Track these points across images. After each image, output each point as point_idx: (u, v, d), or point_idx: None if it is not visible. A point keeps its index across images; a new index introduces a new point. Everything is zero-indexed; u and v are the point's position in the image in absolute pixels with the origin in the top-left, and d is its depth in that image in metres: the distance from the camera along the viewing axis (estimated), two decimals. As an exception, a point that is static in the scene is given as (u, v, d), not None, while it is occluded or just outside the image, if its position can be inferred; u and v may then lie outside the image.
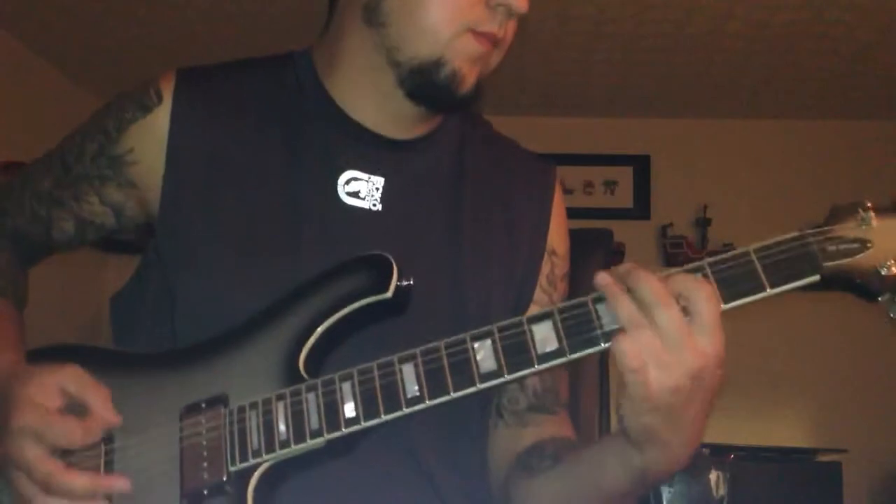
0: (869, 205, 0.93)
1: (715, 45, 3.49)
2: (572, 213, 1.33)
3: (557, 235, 1.28)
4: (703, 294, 0.87)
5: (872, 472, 3.74)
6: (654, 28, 3.36)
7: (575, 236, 1.45)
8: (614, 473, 0.99)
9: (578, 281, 1.56)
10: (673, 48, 3.53)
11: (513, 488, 1.15)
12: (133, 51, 3.66)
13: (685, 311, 0.88)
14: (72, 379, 1.01)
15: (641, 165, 4.22)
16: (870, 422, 3.77)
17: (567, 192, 4.19)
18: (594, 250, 1.67)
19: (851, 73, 3.68)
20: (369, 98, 1.16)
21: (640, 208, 4.20)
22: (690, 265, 0.92)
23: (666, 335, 0.87)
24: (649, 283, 0.88)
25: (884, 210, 0.94)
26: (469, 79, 1.11)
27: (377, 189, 1.17)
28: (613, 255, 1.83)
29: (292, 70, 1.22)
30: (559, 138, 4.07)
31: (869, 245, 0.91)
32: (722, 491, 2.65)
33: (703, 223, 4.10)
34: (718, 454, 3.15)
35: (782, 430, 3.87)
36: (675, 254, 4.08)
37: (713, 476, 2.67)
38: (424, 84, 1.11)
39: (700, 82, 3.84)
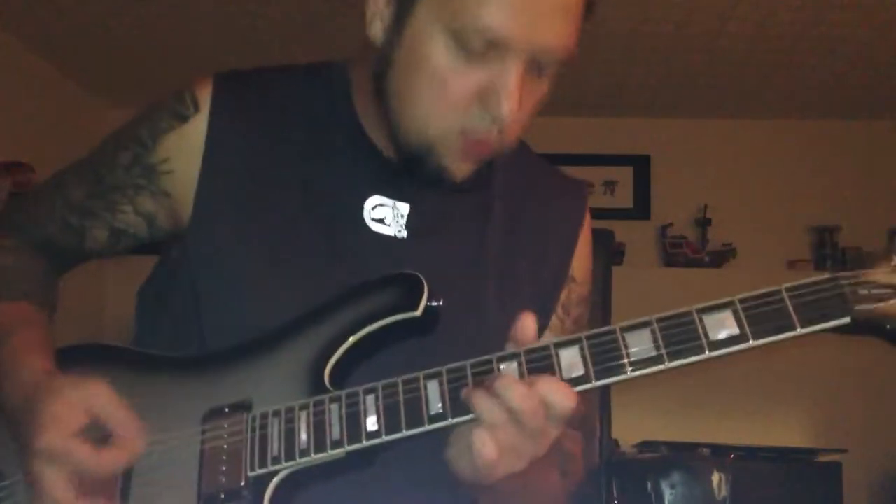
0: None
1: (715, 45, 3.49)
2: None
3: (579, 262, 1.26)
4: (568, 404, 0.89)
5: (872, 472, 3.74)
6: (654, 28, 3.36)
7: (575, 237, 1.43)
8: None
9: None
10: (673, 48, 3.53)
11: None
12: (133, 51, 3.66)
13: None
14: (98, 399, 0.98)
15: (641, 165, 4.22)
16: (870, 422, 3.78)
17: (567, 192, 4.21)
18: (594, 250, 1.66)
19: (851, 73, 3.68)
20: (390, 137, 1.13)
21: (640, 208, 4.20)
22: (719, 301, 0.91)
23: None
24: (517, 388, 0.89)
25: None
26: (462, 169, 1.08)
27: (402, 216, 1.15)
28: (613, 255, 1.82)
29: (329, 87, 1.19)
30: (559, 138, 4.06)
31: None
32: (724, 492, 2.65)
33: (703, 223, 4.11)
34: (719, 454, 3.16)
35: (782, 430, 3.87)
36: (674, 254, 4.09)
37: (715, 478, 2.67)
38: (416, 166, 1.09)
39: (700, 82, 3.84)
